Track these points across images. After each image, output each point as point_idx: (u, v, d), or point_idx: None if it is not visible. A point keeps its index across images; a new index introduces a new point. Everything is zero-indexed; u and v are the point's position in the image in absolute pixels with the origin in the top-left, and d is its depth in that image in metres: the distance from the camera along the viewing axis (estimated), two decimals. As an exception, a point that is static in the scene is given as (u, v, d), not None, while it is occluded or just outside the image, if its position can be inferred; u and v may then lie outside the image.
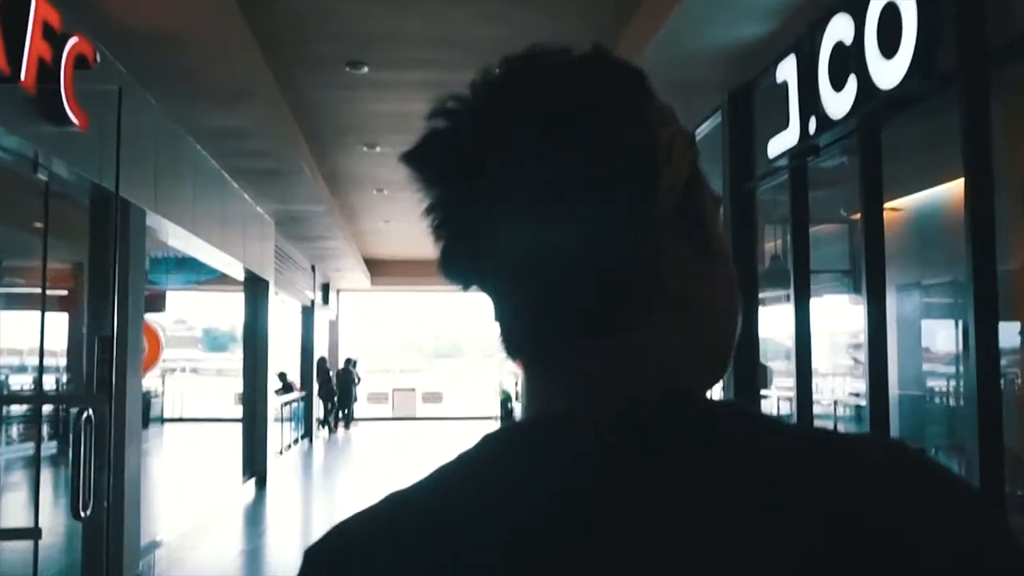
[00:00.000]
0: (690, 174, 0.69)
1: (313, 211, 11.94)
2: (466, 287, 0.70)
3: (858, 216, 8.71)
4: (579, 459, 0.63)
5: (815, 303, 6.60)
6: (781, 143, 5.66)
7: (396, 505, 0.67)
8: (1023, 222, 4.74)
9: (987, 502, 0.62)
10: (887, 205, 7.03)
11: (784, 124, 5.64)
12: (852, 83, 4.67)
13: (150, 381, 19.07)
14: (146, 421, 18.88)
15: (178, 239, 8.28)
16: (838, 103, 4.86)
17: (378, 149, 10.42)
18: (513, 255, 0.66)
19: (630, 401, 0.65)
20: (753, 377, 6.74)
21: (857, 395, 7.54)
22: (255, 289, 12.27)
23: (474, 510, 0.63)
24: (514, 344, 0.70)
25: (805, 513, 0.58)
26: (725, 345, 0.72)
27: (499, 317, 0.70)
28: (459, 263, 0.69)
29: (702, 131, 7.92)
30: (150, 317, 16.25)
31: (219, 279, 12.93)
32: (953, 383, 7.40)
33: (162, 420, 19.82)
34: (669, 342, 0.67)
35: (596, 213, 0.64)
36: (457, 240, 0.68)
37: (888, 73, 4.31)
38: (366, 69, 7.49)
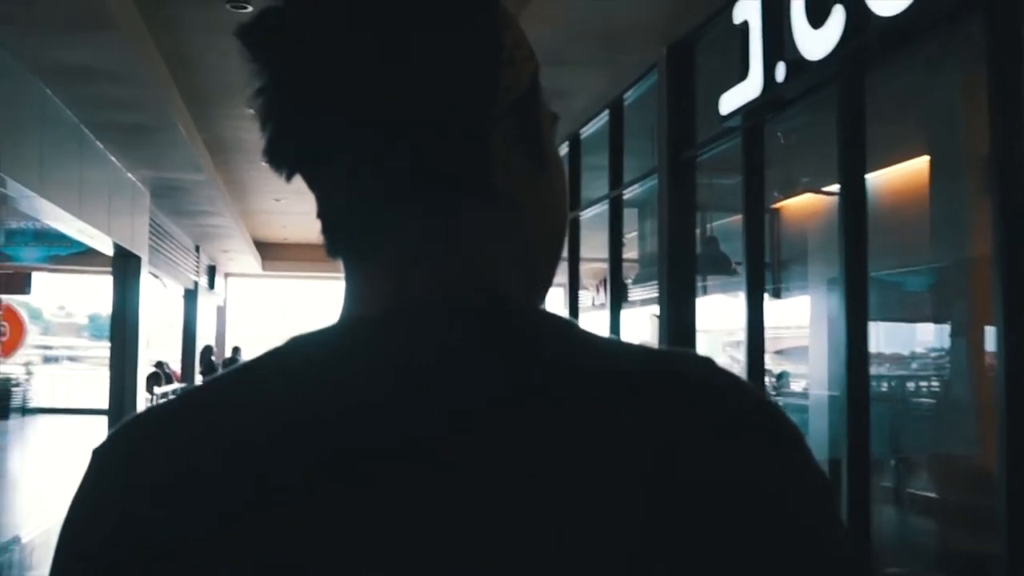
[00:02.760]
0: (530, 84, 0.69)
1: (193, 180, 10.68)
2: (290, 175, 0.67)
3: (779, 204, 8.07)
4: (382, 372, 0.61)
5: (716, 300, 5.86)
6: (737, 97, 4.80)
7: (186, 401, 0.66)
8: (982, 208, 3.97)
9: (784, 417, 0.61)
10: (824, 189, 6.30)
11: (738, 76, 4.79)
12: (838, 15, 3.83)
13: (11, 369, 17.49)
14: (5, 412, 17.15)
15: (21, 200, 7.03)
16: (817, 41, 4.01)
17: (267, 112, 9.28)
18: (340, 129, 0.63)
19: (445, 307, 0.63)
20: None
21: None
22: (125, 266, 10.96)
23: (258, 413, 0.61)
24: (334, 236, 0.68)
25: (628, 454, 0.56)
26: (552, 252, 0.72)
27: (321, 211, 0.68)
28: (288, 145, 0.66)
29: (628, 96, 7.08)
30: (14, 300, 14.74)
31: (89, 257, 11.60)
32: (890, 387, 6.82)
33: (25, 411, 18.21)
34: (490, 240, 0.66)
35: (430, 99, 0.62)
36: (288, 120, 0.65)
37: (891, -3, 3.47)
38: (250, 8, 6.39)
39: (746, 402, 0.61)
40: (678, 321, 5.84)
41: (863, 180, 4.07)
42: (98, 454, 0.65)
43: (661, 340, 5.98)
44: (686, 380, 0.61)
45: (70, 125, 7.67)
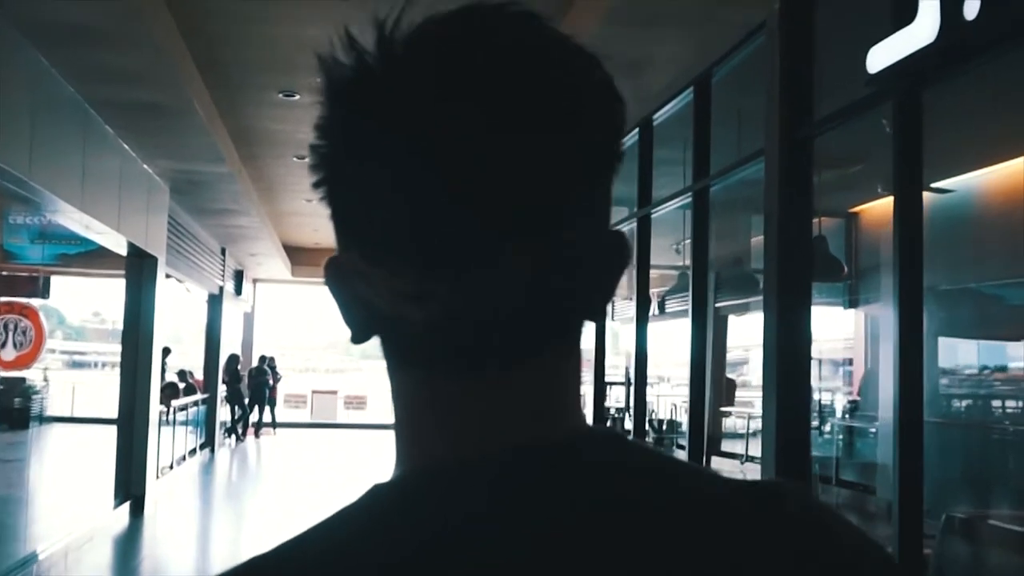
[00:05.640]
0: None
1: (215, 173, 9.70)
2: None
3: (859, 208, 6.99)
4: (475, 525, 0.55)
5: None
6: (897, 48, 3.70)
7: (284, 554, 0.57)
8: None
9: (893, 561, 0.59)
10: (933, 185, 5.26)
11: (894, 23, 3.71)
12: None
13: (34, 375, 16.66)
14: (24, 421, 16.39)
15: (11, 187, 6.06)
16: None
17: (297, 97, 8.26)
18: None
19: (530, 452, 0.57)
20: (806, 386, 4.82)
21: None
22: (139, 267, 10.02)
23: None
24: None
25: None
26: None
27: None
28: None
29: (717, 71, 6.02)
30: (36, 304, 13.87)
31: (101, 257, 10.67)
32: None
33: (42, 419, 17.36)
34: (572, 376, 0.61)
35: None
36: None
37: None
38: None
39: (857, 551, 0.60)
40: (788, 338, 4.74)
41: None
42: None
43: (766, 359, 4.89)
44: (793, 519, 0.59)
45: (70, 101, 6.69)
